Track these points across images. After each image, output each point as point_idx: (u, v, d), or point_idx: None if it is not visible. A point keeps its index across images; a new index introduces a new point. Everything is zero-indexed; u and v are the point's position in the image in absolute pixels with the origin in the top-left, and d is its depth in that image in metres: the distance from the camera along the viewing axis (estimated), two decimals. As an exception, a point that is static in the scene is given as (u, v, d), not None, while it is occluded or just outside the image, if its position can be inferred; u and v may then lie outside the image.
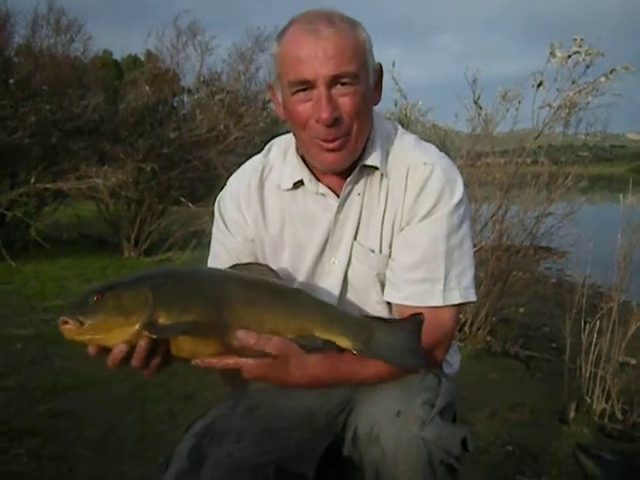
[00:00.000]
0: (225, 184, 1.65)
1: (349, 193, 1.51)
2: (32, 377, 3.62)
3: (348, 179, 1.49)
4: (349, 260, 1.53)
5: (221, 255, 1.59)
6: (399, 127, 1.60)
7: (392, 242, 1.50)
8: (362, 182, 1.51)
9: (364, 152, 1.48)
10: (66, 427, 2.95)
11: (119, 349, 1.20)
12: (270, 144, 1.65)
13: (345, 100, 1.38)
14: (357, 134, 1.42)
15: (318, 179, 1.52)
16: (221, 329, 1.24)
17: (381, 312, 1.53)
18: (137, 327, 1.19)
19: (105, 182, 7.50)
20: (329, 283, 1.55)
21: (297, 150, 1.53)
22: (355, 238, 1.52)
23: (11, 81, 7.68)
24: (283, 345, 1.27)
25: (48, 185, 7.58)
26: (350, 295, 1.55)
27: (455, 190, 1.47)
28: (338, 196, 1.51)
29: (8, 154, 7.61)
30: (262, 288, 1.33)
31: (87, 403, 3.24)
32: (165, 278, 1.28)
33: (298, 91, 1.39)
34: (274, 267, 1.55)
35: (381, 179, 1.50)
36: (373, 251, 1.51)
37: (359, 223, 1.52)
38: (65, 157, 8.01)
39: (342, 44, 1.35)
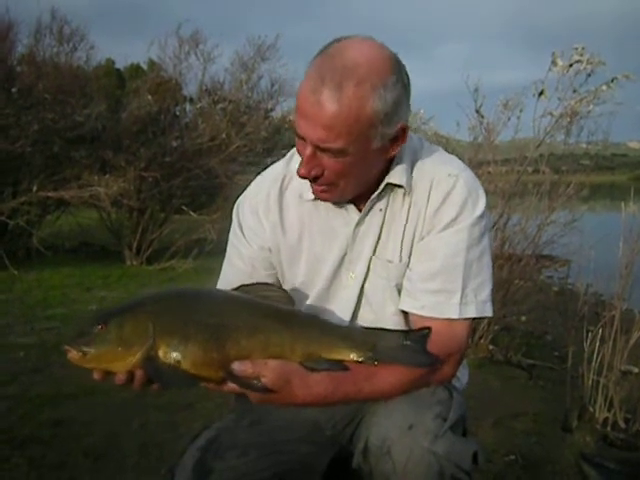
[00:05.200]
0: (246, 188, 1.64)
1: (371, 209, 1.49)
2: (33, 385, 3.62)
3: (372, 196, 1.47)
4: (366, 275, 1.51)
5: (236, 262, 1.59)
6: (424, 141, 1.57)
7: (412, 251, 1.49)
8: (385, 198, 1.49)
9: (389, 169, 1.46)
10: (67, 436, 2.95)
11: (118, 378, 1.24)
12: (293, 151, 1.61)
13: (330, 163, 1.35)
14: (345, 187, 1.41)
15: None
16: (223, 357, 1.24)
17: (398, 324, 1.51)
18: (138, 358, 1.21)
19: (107, 191, 7.52)
20: (345, 296, 1.54)
21: None
22: (374, 253, 1.50)
23: (14, 90, 7.72)
24: (281, 367, 1.27)
25: (50, 193, 7.61)
26: (365, 309, 1.54)
27: (478, 202, 1.46)
28: (360, 210, 1.50)
29: (10, 162, 7.64)
30: (266, 313, 1.32)
31: (88, 412, 3.23)
32: (166, 306, 1.28)
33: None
34: (290, 276, 1.56)
35: (404, 194, 1.48)
36: (391, 262, 1.49)
37: (379, 239, 1.50)
38: (67, 166, 8.04)
39: (336, 120, 1.27)
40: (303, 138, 1.34)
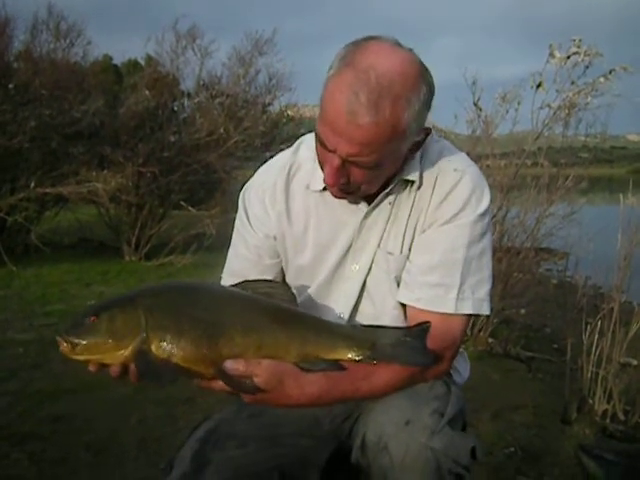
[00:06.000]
0: (251, 177, 1.64)
1: (380, 201, 1.48)
2: (33, 381, 3.62)
3: (385, 191, 1.46)
4: (370, 267, 1.51)
5: (242, 250, 1.59)
6: (434, 134, 1.56)
7: (412, 243, 1.48)
8: (395, 192, 1.48)
9: (403, 165, 1.45)
10: (67, 431, 2.95)
11: (113, 370, 1.23)
12: (300, 141, 1.62)
13: (357, 171, 1.35)
14: (366, 190, 1.42)
15: None
16: (216, 354, 1.23)
17: (398, 318, 1.51)
18: (129, 351, 1.20)
19: (105, 186, 7.51)
20: (347, 288, 1.53)
21: None
22: (379, 246, 1.50)
23: (11, 86, 7.69)
24: (274, 367, 1.26)
25: (48, 190, 7.59)
26: (366, 302, 1.54)
27: (482, 199, 1.45)
28: (369, 203, 1.49)
29: (8, 159, 7.61)
30: (262, 312, 1.30)
31: (88, 407, 3.24)
32: (161, 299, 1.27)
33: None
34: (293, 266, 1.56)
35: (411, 187, 1.48)
36: (391, 253, 1.48)
37: (385, 231, 1.50)
38: (65, 161, 8.00)
39: (372, 138, 1.27)
40: (331, 150, 1.32)
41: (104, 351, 1.21)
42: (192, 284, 1.39)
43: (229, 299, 1.31)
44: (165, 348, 1.21)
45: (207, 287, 1.38)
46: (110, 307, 1.24)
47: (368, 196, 1.47)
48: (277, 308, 1.32)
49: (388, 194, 1.48)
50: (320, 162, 1.41)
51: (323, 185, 1.48)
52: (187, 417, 3.05)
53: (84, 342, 1.21)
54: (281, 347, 1.28)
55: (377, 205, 1.49)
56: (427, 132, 1.41)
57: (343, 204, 1.50)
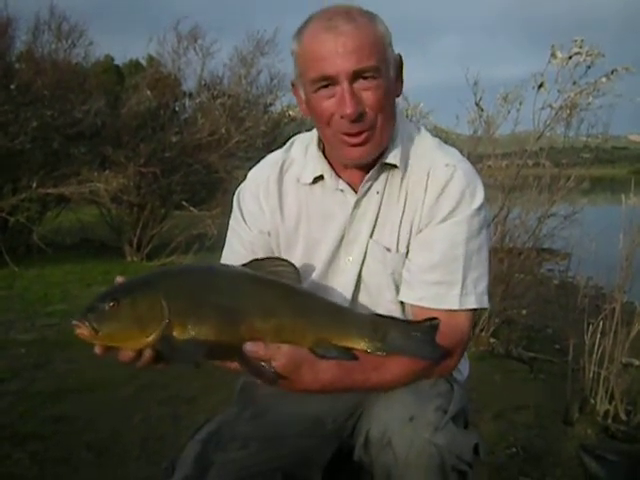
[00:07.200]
0: (245, 177, 1.65)
1: (367, 190, 1.50)
2: (35, 381, 3.63)
3: (367, 176, 1.48)
4: (364, 258, 1.52)
5: (236, 247, 1.60)
6: (422, 128, 1.59)
7: (409, 242, 1.49)
8: (382, 180, 1.50)
9: (385, 150, 1.48)
10: (69, 431, 2.95)
11: (127, 355, 1.21)
12: (292, 140, 1.65)
13: (368, 94, 1.38)
14: (382, 127, 1.42)
15: (338, 175, 1.52)
16: (237, 339, 1.24)
17: (394, 312, 1.51)
18: (153, 338, 1.19)
19: (107, 187, 7.52)
20: (343, 281, 1.54)
21: (318, 145, 1.53)
22: (371, 236, 1.51)
23: (12, 86, 7.71)
24: (292, 352, 1.26)
25: (50, 190, 7.61)
26: (363, 294, 1.54)
27: (476, 194, 1.46)
28: (356, 192, 1.50)
29: (10, 159, 7.63)
30: (281, 296, 1.31)
31: (90, 407, 3.24)
32: (180, 284, 1.26)
33: (321, 88, 1.40)
34: None
35: (401, 179, 1.49)
36: (389, 250, 1.49)
37: (376, 221, 1.51)
38: (67, 162, 8.02)
39: (361, 39, 1.35)
40: (331, 83, 1.38)
41: (127, 338, 1.19)
42: (208, 267, 1.36)
43: (248, 283, 1.31)
44: (187, 333, 1.20)
45: (224, 270, 1.38)
46: (131, 293, 1.21)
47: (355, 182, 1.50)
48: (295, 292, 1.34)
49: (373, 181, 1.49)
50: (330, 117, 1.42)
51: (313, 177, 1.52)
52: (190, 417, 3.05)
53: (107, 329, 1.17)
54: (298, 332, 1.29)
55: (365, 194, 1.50)
56: (401, 59, 1.48)
57: (332, 196, 1.52)
